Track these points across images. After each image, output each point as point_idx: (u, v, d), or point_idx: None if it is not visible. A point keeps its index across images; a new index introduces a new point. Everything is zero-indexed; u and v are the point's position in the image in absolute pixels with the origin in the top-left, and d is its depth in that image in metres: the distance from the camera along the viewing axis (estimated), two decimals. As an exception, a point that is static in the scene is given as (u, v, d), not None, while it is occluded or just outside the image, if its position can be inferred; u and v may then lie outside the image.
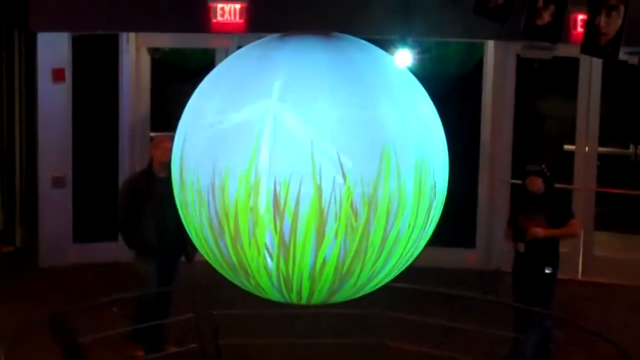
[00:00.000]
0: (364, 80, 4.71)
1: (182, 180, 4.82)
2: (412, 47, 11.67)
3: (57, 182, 12.73)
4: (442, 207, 4.99)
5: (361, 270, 4.73)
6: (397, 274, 5.02)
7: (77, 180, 12.93)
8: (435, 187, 4.82)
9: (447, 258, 12.40)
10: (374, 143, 4.56)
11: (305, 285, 4.73)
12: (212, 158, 4.61)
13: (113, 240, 11.88)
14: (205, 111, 4.78)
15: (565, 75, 12.92)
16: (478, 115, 13.04)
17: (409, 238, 4.77)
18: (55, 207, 12.76)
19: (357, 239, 4.59)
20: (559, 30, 7.16)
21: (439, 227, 5.06)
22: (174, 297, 9.62)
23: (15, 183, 13.56)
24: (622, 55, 7.05)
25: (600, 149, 12.89)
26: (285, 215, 4.51)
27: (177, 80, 13.35)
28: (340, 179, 4.48)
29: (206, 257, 4.98)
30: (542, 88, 13.78)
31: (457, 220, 11.86)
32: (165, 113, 13.11)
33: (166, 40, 13.30)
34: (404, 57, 11.20)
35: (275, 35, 5.03)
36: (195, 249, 5.26)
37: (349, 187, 4.49)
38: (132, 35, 12.93)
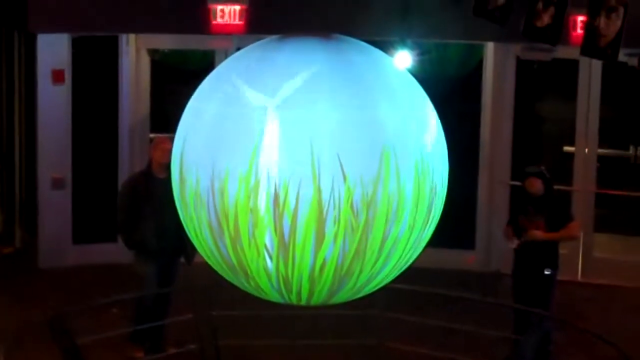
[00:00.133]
0: (364, 81, 4.71)
1: (181, 181, 4.83)
2: (412, 48, 11.70)
3: (57, 184, 12.73)
4: (441, 208, 4.99)
5: (361, 271, 4.73)
6: (396, 275, 5.03)
7: (77, 181, 12.93)
8: (434, 188, 4.82)
9: (446, 259, 12.40)
10: (373, 144, 4.56)
11: (305, 286, 4.73)
12: (211, 159, 4.61)
13: (113, 241, 11.88)
14: (205, 112, 4.78)
15: (565, 76, 12.92)
16: (478, 117, 13.04)
17: (409, 239, 4.78)
18: (55, 208, 12.76)
19: (357, 240, 4.59)
20: (559, 31, 7.16)
21: (438, 229, 5.06)
22: (173, 298, 9.62)
23: (15, 184, 13.56)
24: (622, 57, 7.05)
25: (600, 150, 12.89)
26: (285, 217, 4.52)
27: (176, 81, 13.34)
28: (340, 180, 4.48)
29: (206, 258, 4.98)
30: (542, 90, 13.78)
31: (456, 222, 11.86)
32: (165, 114, 13.11)
33: (166, 42, 13.31)
34: (404, 58, 11.23)
35: (274, 36, 5.03)
36: (194, 250, 5.26)
37: (348, 188, 4.50)
38: (131, 36, 12.93)
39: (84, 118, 12.95)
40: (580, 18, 9.76)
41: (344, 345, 9.08)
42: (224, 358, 8.63)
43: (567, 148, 13.27)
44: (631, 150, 13.79)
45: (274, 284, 4.76)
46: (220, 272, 4.98)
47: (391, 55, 10.78)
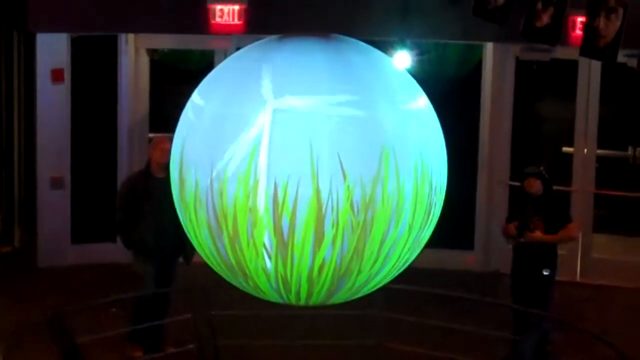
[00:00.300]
0: (363, 81, 4.71)
1: (180, 181, 4.82)
2: (411, 48, 11.70)
3: (56, 183, 12.73)
4: (440, 208, 4.99)
5: (360, 271, 4.73)
6: (395, 275, 5.03)
7: (76, 181, 12.93)
8: (434, 188, 4.82)
9: (445, 259, 12.40)
10: (373, 144, 4.56)
11: (304, 286, 4.73)
12: (210, 159, 4.61)
13: (111, 241, 11.89)
14: (204, 112, 4.78)
15: (564, 77, 12.92)
16: (477, 117, 13.04)
17: (408, 239, 4.78)
18: (54, 207, 12.76)
19: (356, 240, 4.59)
20: (558, 32, 7.17)
21: (437, 229, 5.07)
22: (172, 298, 9.62)
23: (14, 184, 13.56)
24: (621, 58, 7.04)
25: (599, 151, 12.90)
26: (284, 216, 4.52)
27: (175, 81, 13.35)
28: (339, 180, 4.48)
29: (204, 258, 4.98)
30: (541, 90, 13.78)
31: (455, 222, 11.86)
32: (164, 114, 13.11)
33: (165, 42, 13.30)
34: (403, 58, 11.23)
35: (274, 36, 5.03)
36: (193, 250, 5.25)
37: (348, 188, 4.50)
38: (131, 36, 12.93)
39: (83, 118, 12.94)
40: (580, 19, 9.76)
41: (343, 345, 9.08)
42: (222, 358, 8.63)
43: (566, 148, 13.27)
44: (630, 151, 13.78)
45: (273, 284, 4.76)
46: (219, 272, 4.98)
47: (390, 55, 10.78)
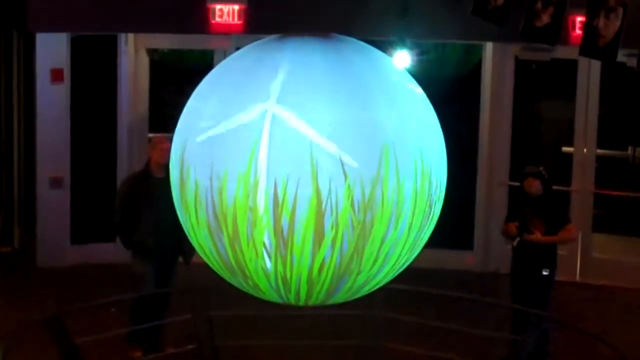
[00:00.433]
0: (363, 81, 4.71)
1: (180, 181, 4.82)
2: (411, 48, 11.68)
3: (55, 183, 12.73)
4: (440, 208, 4.99)
5: (360, 271, 4.73)
6: (395, 275, 5.02)
7: (75, 181, 12.93)
8: (433, 188, 4.82)
9: (445, 260, 12.40)
10: (373, 144, 4.56)
11: (304, 286, 4.73)
12: (210, 159, 4.61)
13: (111, 241, 11.88)
14: (204, 112, 4.78)
15: (564, 77, 12.92)
16: (476, 117, 13.04)
17: (408, 238, 4.77)
18: (53, 208, 12.76)
19: (356, 239, 4.59)
20: (558, 32, 7.15)
21: (437, 229, 5.06)
22: (171, 298, 9.61)
23: (14, 184, 13.56)
24: (621, 57, 7.03)
25: (598, 150, 12.90)
26: (284, 216, 4.51)
27: (175, 81, 13.35)
28: (339, 180, 4.48)
29: (204, 258, 4.98)
30: (541, 90, 13.78)
31: (455, 222, 11.86)
32: (164, 114, 13.11)
33: (165, 42, 13.31)
34: (403, 58, 11.21)
35: (273, 36, 5.03)
36: (193, 250, 5.25)
37: (348, 188, 4.49)
38: (130, 36, 12.93)
39: (83, 117, 12.94)
40: (579, 18, 9.75)
41: (342, 345, 9.07)
42: (222, 358, 8.62)
43: (565, 148, 13.27)
44: (629, 151, 13.78)
45: (273, 284, 4.75)
46: (219, 272, 4.98)
47: (390, 55, 10.78)
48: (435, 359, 8.96)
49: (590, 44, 6.91)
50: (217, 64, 5.39)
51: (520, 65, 12.83)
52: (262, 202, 4.52)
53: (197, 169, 4.68)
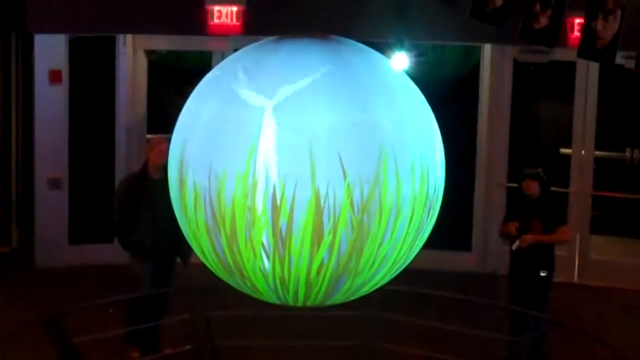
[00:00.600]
0: (361, 82, 4.71)
1: (178, 182, 4.82)
2: (409, 50, 11.70)
3: (54, 184, 12.73)
4: (438, 210, 4.99)
5: (358, 272, 4.73)
6: (394, 276, 5.03)
7: (73, 181, 12.93)
8: (432, 189, 4.82)
9: (443, 261, 12.40)
10: (371, 145, 4.56)
11: (302, 287, 4.73)
12: (209, 159, 4.61)
13: (109, 242, 11.88)
14: (202, 113, 4.78)
15: (562, 79, 12.93)
16: (475, 119, 13.05)
17: (406, 240, 4.78)
18: (52, 208, 12.76)
19: (355, 241, 4.59)
20: (556, 34, 7.16)
21: (435, 230, 5.07)
22: (169, 299, 9.62)
23: (12, 184, 13.56)
24: (619, 59, 7.03)
25: (597, 152, 12.91)
26: (282, 217, 4.51)
27: (173, 82, 13.35)
28: (337, 181, 4.48)
29: (202, 258, 4.98)
30: (539, 92, 13.79)
31: (453, 223, 11.87)
32: (162, 115, 13.11)
33: (163, 43, 13.31)
34: (401, 60, 11.23)
35: (271, 38, 5.03)
36: (191, 251, 5.25)
37: (347, 190, 4.50)
38: (129, 37, 12.93)
39: (81, 118, 12.95)
40: (578, 20, 9.77)
41: (340, 346, 9.08)
42: (220, 359, 8.63)
43: (563, 150, 13.28)
44: (627, 152, 13.79)
45: (271, 284, 4.76)
46: (217, 272, 4.98)
47: (389, 56, 10.78)
48: (432, 359, 8.98)
49: (589, 46, 6.91)
50: (215, 65, 5.40)
51: (519, 67, 12.84)
52: (261, 203, 4.52)
53: (195, 170, 4.68)
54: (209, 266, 4.98)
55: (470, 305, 10.25)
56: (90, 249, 12.82)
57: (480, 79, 13.00)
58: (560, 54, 11.64)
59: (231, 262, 4.75)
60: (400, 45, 11.28)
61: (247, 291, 4.95)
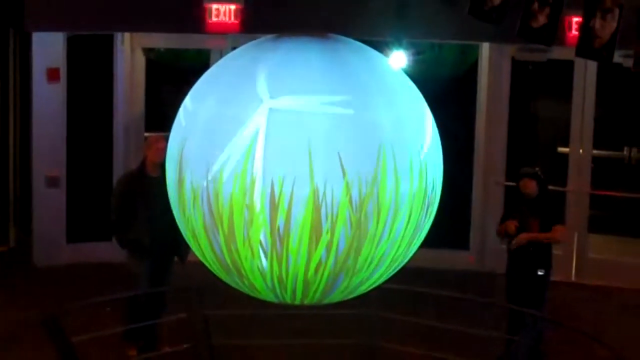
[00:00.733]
0: (359, 81, 4.71)
1: (176, 180, 4.82)
2: (407, 48, 11.70)
3: (51, 182, 12.72)
4: (436, 208, 4.99)
5: (356, 271, 4.73)
6: (391, 275, 5.03)
7: (71, 180, 12.92)
8: (430, 188, 4.82)
9: (441, 259, 12.40)
10: (369, 143, 4.56)
11: (300, 285, 4.73)
12: (207, 158, 4.61)
13: (107, 240, 11.87)
14: (200, 111, 4.78)
15: (560, 77, 12.93)
16: (473, 117, 13.05)
17: (404, 238, 4.78)
18: (49, 206, 12.76)
19: (353, 239, 4.59)
20: (554, 32, 7.17)
21: (433, 228, 5.07)
22: (167, 297, 9.61)
23: (9, 182, 13.55)
24: (617, 58, 7.04)
25: (595, 151, 12.91)
26: (280, 216, 4.51)
27: (171, 80, 13.35)
28: (336, 180, 4.48)
29: (200, 257, 4.98)
30: (537, 90, 13.79)
31: (451, 222, 11.87)
32: (160, 113, 13.10)
33: (161, 41, 13.31)
34: (399, 58, 11.23)
35: (270, 36, 5.03)
36: (188, 249, 5.25)
37: (345, 188, 4.50)
38: (126, 35, 12.93)
39: (79, 116, 12.94)
40: (576, 19, 9.77)
41: (338, 344, 9.08)
42: (218, 357, 8.63)
43: (561, 149, 13.28)
44: (625, 151, 13.79)
45: (269, 283, 4.76)
46: (215, 271, 4.98)
47: (387, 55, 10.78)
48: (431, 358, 8.97)
49: (587, 45, 6.92)
50: (213, 63, 5.39)
51: (517, 66, 12.84)
52: (258, 202, 4.52)
53: (193, 168, 4.68)
54: (206, 265, 4.98)
55: (468, 303, 10.26)
56: (88, 247, 12.82)
57: (478, 78, 13.00)
58: (558, 53, 11.65)
59: (229, 261, 4.74)
60: (398, 43, 11.28)
61: (245, 290, 4.95)
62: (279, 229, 4.54)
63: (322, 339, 9.24)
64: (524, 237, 9.52)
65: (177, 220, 5.01)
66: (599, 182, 12.98)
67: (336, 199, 4.50)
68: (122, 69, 12.99)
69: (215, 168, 4.58)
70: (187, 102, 4.98)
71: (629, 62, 9.82)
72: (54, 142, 12.70)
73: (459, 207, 12.92)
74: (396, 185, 4.61)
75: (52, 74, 12.55)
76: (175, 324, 8.93)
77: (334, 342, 9.11)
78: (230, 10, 11.90)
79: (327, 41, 4.93)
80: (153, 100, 13.33)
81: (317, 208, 4.49)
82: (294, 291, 4.77)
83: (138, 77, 13.17)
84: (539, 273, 9.55)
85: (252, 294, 4.99)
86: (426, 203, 4.82)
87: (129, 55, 13.03)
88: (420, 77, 6.01)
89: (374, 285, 5.03)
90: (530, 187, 9.64)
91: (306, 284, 4.72)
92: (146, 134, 12.75)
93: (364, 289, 4.98)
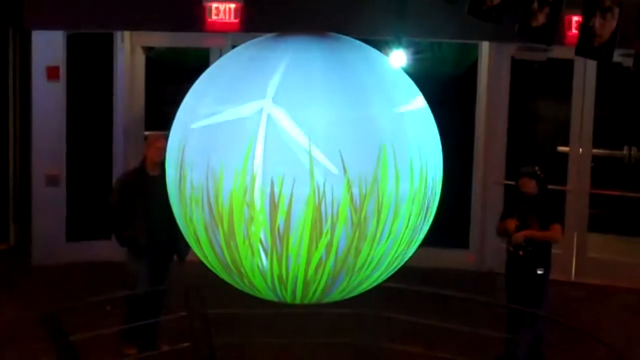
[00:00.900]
0: (359, 80, 4.71)
1: (176, 179, 4.82)
2: (407, 47, 11.70)
3: (51, 181, 12.72)
4: (436, 207, 4.99)
5: (356, 270, 4.73)
6: (391, 274, 5.03)
7: (71, 178, 12.92)
8: (430, 187, 4.82)
9: (441, 258, 12.40)
10: (369, 142, 4.56)
11: (300, 284, 4.73)
12: (206, 157, 4.61)
13: (106, 238, 11.87)
14: (199, 110, 4.77)
15: (560, 76, 12.93)
16: (472, 117, 13.04)
17: (404, 237, 4.78)
18: (49, 205, 12.75)
19: (353, 238, 4.59)
20: (554, 31, 7.16)
21: (432, 227, 5.07)
22: (166, 296, 9.62)
23: (9, 181, 13.54)
24: (617, 57, 7.03)
25: (594, 150, 12.91)
26: (280, 215, 4.51)
27: (171, 79, 13.34)
28: (336, 179, 4.48)
29: (199, 255, 4.98)
30: (537, 89, 13.79)
31: (450, 221, 11.86)
32: (160, 112, 13.09)
33: (161, 40, 13.30)
34: (399, 57, 11.23)
35: (269, 35, 5.03)
36: (188, 248, 5.24)
37: (345, 187, 4.50)
38: (126, 34, 12.92)
39: (79, 115, 12.94)
40: (575, 18, 9.76)
41: (337, 343, 9.08)
42: (217, 356, 8.63)
43: (561, 148, 13.27)
44: (625, 151, 13.78)
45: (269, 282, 4.75)
46: (214, 270, 4.98)
47: (387, 54, 10.78)
48: (430, 357, 8.98)
49: (586, 44, 6.91)
50: (213, 62, 5.39)
51: (516, 65, 12.83)
52: (258, 201, 4.52)
53: (193, 167, 4.68)
54: (206, 264, 4.98)
55: (467, 303, 10.26)
56: (87, 246, 12.81)
57: (478, 77, 12.99)
58: (558, 52, 11.65)
59: (229, 260, 4.75)
60: (398, 42, 11.28)
61: (245, 289, 4.95)
62: (279, 228, 4.54)
63: (322, 338, 9.24)
64: (520, 235, 9.53)
65: (176, 219, 5.01)
66: (599, 181, 12.97)
67: (336, 198, 4.50)
68: (122, 67, 12.98)
69: (215, 166, 4.58)
70: (187, 100, 4.98)
71: (628, 62, 9.82)
72: (53, 140, 12.69)
73: (459, 206, 12.91)
74: (396, 185, 4.61)
75: (52, 73, 12.54)
76: (175, 322, 8.93)
77: (334, 341, 9.12)
78: (230, 9, 11.91)
79: (327, 40, 4.93)
80: (153, 99, 13.33)
81: (317, 207, 4.49)
82: (294, 290, 4.78)
83: (138, 76, 13.16)
84: (538, 272, 9.56)
85: (252, 293, 4.99)
86: (426, 202, 4.82)
87: (129, 53, 13.03)
88: (420, 76, 6.00)
89: (373, 285, 5.03)
90: (529, 186, 9.64)
91: (306, 283, 4.72)
92: (146, 133, 12.74)
93: (363, 288, 4.98)
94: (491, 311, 10.31)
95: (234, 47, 5.37)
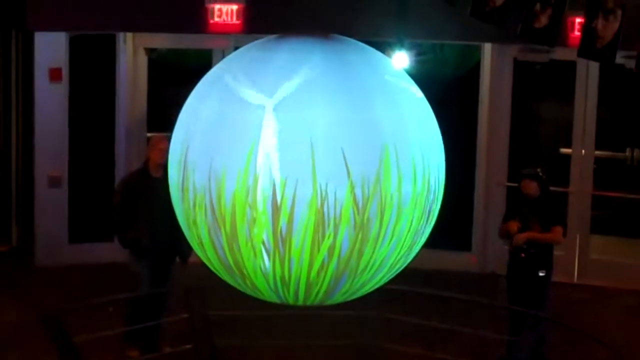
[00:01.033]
0: (362, 81, 4.71)
1: (179, 181, 4.82)
2: (410, 49, 11.69)
3: (53, 182, 12.72)
4: (438, 209, 4.99)
5: (358, 272, 4.73)
6: (393, 276, 5.03)
7: (73, 180, 12.92)
8: (432, 188, 4.82)
9: (443, 260, 12.39)
10: (372, 144, 4.56)
11: (302, 286, 4.73)
12: (209, 158, 4.61)
13: (108, 240, 11.87)
14: (202, 112, 4.78)
15: (562, 78, 12.92)
16: (475, 118, 13.04)
17: (406, 239, 4.78)
18: (51, 206, 12.75)
19: (356, 240, 4.59)
20: (556, 33, 7.15)
21: (435, 229, 5.07)
22: (168, 298, 9.61)
23: (12, 182, 13.55)
24: (619, 59, 7.03)
25: (597, 152, 12.90)
26: (283, 217, 4.51)
27: (174, 80, 13.33)
28: (339, 180, 4.48)
29: (202, 257, 4.98)
30: (539, 91, 13.78)
31: (453, 223, 11.86)
32: (162, 113, 13.09)
33: (163, 41, 13.30)
34: (402, 59, 11.21)
35: (272, 36, 5.03)
36: (190, 250, 5.24)
37: (349, 189, 4.49)
38: (129, 35, 12.92)
39: (81, 116, 12.94)
40: (578, 20, 9.76)
41: (340, 345, 9.08)
42: (219, 358, 8.63)
43: (563, 150, 13.26)
44: (627, 152, 13.77)
45: (271, 284, 4.75)
46: (217, 272, 4.98)
47: (389, 55, 10.78)
48: (431, 359, 8.98)
49: (589, 46, 6.91)
50: (215, 63, 5.39)
51: (519, 67, 12.83)
52: (261, 202, 4.52)
53: (195, 168, 4.69)
54: (209, 265, 4.98)
55: (469, 305, 10.25)
56: (90, 248, 12.81)
57: (480, 79, 12.99)
58: (560, 54, 11.63)
59: (231, 261, 4.75)
60: (400, 44, 11.27)
61: (247, 290, 4.95)
62: (281, 230, 4.54)
63: (324, 340, 9.23)
64: (521, 236, 9.52)
65: (179, 221, 5.01)
66: (601, 183, 12.96)
67: (339, 200, 4.50)
68: (124, 69, 12.99)
69: (217, 168, 4.59)
70: (190, 102, 4.99)
71: (631, 63, 9.81)
72: (56, 142, 12.69)
73: (461, 208, 12.90)
74: (399, 186, 4.61)
75: (55, 74, 12.55)
76: (177, 324, 8.93)
77: (336, 343, 9.11)
78: (232, 10, 11.91)
79: (329, 42, 4.93)
80: (155, 101, 13.32)
81: (319, 209, 4.49)
82: (296, 292, 4.77)
83: (140, 77, 13.16)
84: (540, 274, 9.55)
85: (254, 295, 4.99)
86: (429, 203, 4.82)
87: (131, 55, 13.03)
88: (422, 77, 6.00)
89: (376, 287, 5.03)
90: (531, 188, 9.63)
91: (309, 285, 4.72)
92: (149, 135, 12.74)
93: (366, 290, 4.98)
94: (493, 313, 10.30)
95: (236, 48, 5.37)
